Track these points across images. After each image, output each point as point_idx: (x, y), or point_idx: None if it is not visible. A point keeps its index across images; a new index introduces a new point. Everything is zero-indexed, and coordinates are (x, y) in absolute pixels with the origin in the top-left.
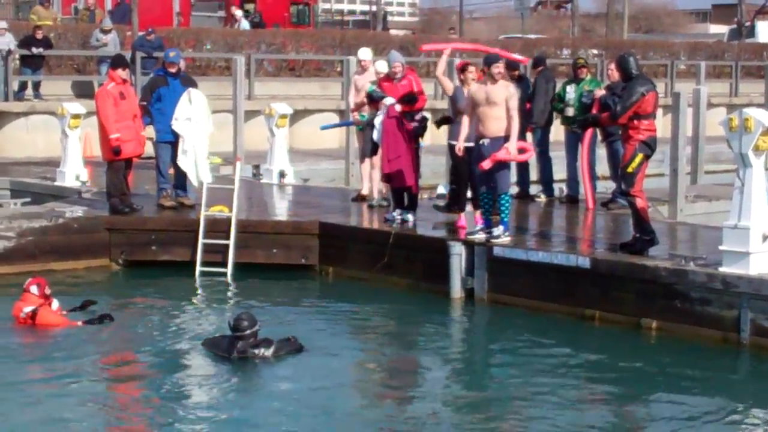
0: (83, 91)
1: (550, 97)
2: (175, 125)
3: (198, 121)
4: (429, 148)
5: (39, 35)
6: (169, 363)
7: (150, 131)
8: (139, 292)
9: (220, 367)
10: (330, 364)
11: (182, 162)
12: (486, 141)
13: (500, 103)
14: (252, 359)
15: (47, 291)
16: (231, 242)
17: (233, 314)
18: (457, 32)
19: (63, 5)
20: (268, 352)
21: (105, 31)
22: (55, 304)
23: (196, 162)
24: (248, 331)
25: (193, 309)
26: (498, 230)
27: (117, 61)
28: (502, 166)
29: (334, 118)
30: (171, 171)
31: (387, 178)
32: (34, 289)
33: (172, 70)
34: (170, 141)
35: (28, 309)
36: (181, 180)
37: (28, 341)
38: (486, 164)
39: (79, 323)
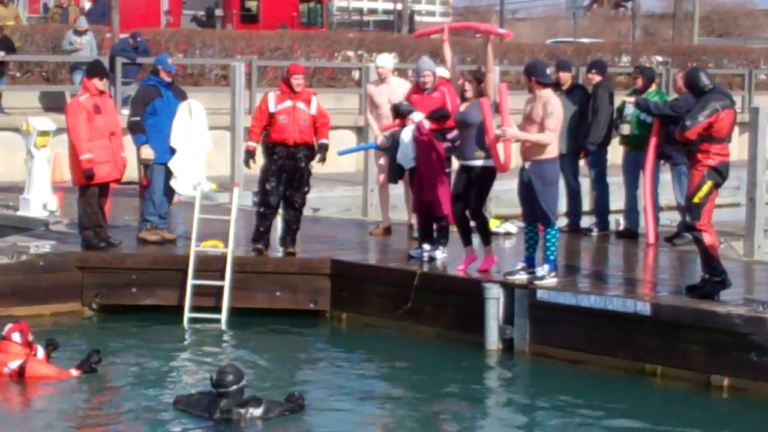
0: (53, 104)
1: (611, 113)
2: (174, 142)
3: (198, 138)
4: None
5: None
6: (143, 428)
7: (148, 151)
8: (117, 343)
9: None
10: (339, 428)
11: (172, 165)
12: (527, 164)
13: (539, 122)
14: (237, 422)
15: (30, 338)
16: (226, 283)
17: (216, 368)
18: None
19: (30, 2)
20: (257, 412)
21: (79, 33)
22: (40, 352)
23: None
24: (233, 387)
25: (181, 363)
26: (542, 270)
27: (94, 69)
28: (546, 193)
29: (350, 138)
30: (175, 201)
31: (423, 207)
32: (15, 336)
33: (168, 79)
34: (167, 162)
35: (13, 364)
36: (163, 210)
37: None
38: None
39: (73, 371)
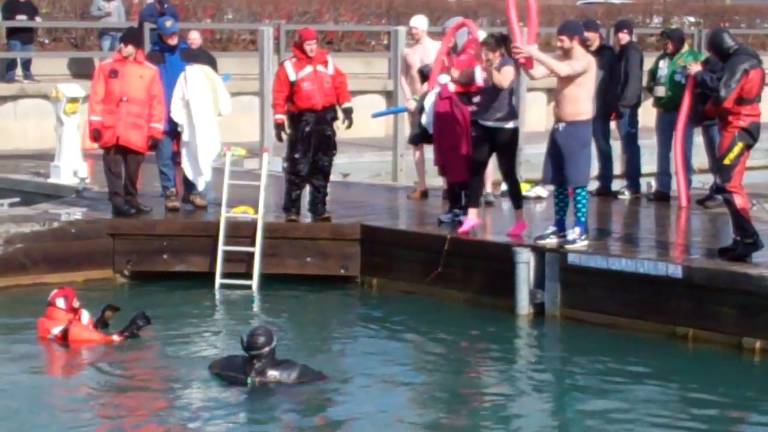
0: (82, 70)
1: (639, 74)
2: (173, 113)
3: (198, 105)
4: None
5: None
6: (179, 392)
7: None
8: (148, 309)
9: (233, 395)
10: (369, 394)
11: (182, 156)
12: (561, 125)
13: (575, 80)
14: (272, 384)
15: (75, 304)
16: (257, 249)
17: (246, 330)
18: None
19: None
20: (292, 376)
21: None
22: (85, 316)
23: (195, 156)
24: (266, 349)
25: (213, 329)
26: (573, 233)
27: (124, 35)
28: (578, 155)
29: (380, 101)
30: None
31: (442, 171)
32: (60, 302)
33: (171, 42)
34: (169, 131)
35: (56, 330)
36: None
37: (43, 356)
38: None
39: (115, 337)
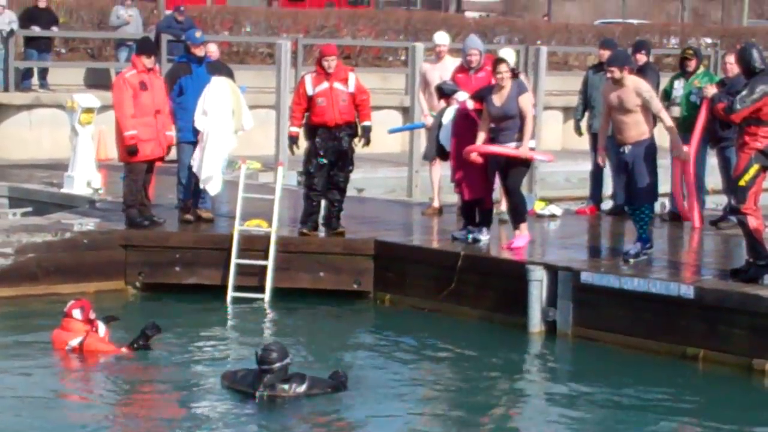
0: (98, 81)
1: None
2: (197, 122)
3: (217, 116)
4: None
5: (42, 3)
6: (189, 404)
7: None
8: (160, 321)
9: (242, 408)
10: (381, 408)
11: (194, 162)
12: (627, 148)
13: (633, 109)
14: (280, 398)
15: (92, 315)
16: (270, 263)
17: (261, 345)
18: (547, 16)
19: None
20: (301, 389)
21: (127, 6)
22: (102, 328)
23: (207, 164)
24: (277, 364)
25: (225, 342)
26: (635, 247)
27: (142, 46)
28: (651, 172)
29: (396, 117)
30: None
31: (458, 187)
32: (77, 313)
33: (199, 53)
34: (194, 142)
35: (74, 341)
36: (198, 188)
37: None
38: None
39: (123, 350)
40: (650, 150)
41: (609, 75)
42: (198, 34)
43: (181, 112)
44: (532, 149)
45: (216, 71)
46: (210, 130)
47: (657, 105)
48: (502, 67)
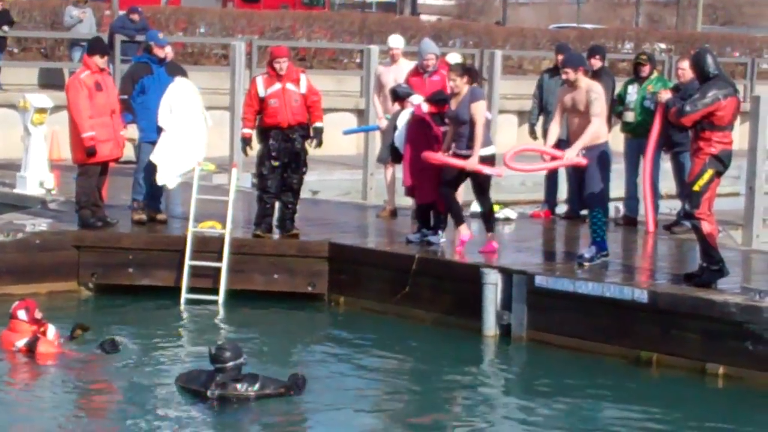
0: (51, 81)
1: (611, 99)
2: (160, 120)
3: (185, 115)
4: None
5: None
6: (141, 405)
7: (133, 130)
8: (113, 323)
9: (194, 408)
10: (333, 410)
11: (155, 154)
12: (582, 152)
13: (584, 110)
14: (232, 398)
15: (38, 315)
16: (224, 265)
17: (214, 344)
18: (502, 20)
19: None
20: (253, 389)
21: (79, 4)
22: (51, 330)
23: (170, 158)
24: (231, 363)
25: (178, 344)
26: (590, 251)
27: (95, 46)
28: (605, 176)
29: (351, 119)
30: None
31: (410, 192)
32: (21, 314)
33: (161, 54)
34: (156, 142)
35: (20, 343)
36: (155, 189)
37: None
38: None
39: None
40: (604, 155)
41: (564, 76)
42: (161, 35)
43: (144, 112)
44: (490, 156)
45: (176, 71)
46: (176, 127)
47: (597, 108)
48: (452, 75)
